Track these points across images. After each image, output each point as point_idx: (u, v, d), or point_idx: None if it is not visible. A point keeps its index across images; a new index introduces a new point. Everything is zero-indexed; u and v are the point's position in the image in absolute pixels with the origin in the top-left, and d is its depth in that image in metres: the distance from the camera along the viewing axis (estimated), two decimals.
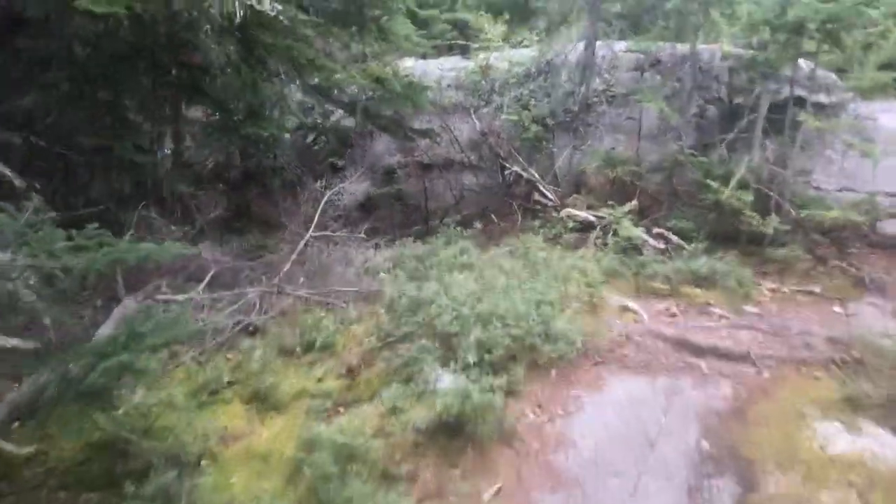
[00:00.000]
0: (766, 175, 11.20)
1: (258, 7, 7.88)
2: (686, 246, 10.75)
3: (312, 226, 8.71)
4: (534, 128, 14.39)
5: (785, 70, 11.22)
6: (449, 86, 17.01)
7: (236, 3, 7.23)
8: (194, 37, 7.82)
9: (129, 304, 7.10)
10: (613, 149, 14.58)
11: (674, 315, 8.57)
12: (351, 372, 6.26)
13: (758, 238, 10.84)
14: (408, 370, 6.08)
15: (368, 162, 16.52)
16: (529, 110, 14.57)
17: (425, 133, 14.72)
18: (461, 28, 21.58)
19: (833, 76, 12.23)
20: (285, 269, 8.07)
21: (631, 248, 10.80)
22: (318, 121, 16.14)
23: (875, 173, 11.90)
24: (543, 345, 6.54)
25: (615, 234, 10.94)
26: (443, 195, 14.20)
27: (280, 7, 7.87)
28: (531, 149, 14.62)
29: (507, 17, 19.23)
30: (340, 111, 15.25)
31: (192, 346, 6.68)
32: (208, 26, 7.61)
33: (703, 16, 11.57)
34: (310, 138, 16.11)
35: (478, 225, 12.42)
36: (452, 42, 21.00)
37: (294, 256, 8.28)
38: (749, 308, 9.03)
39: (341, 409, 5.75)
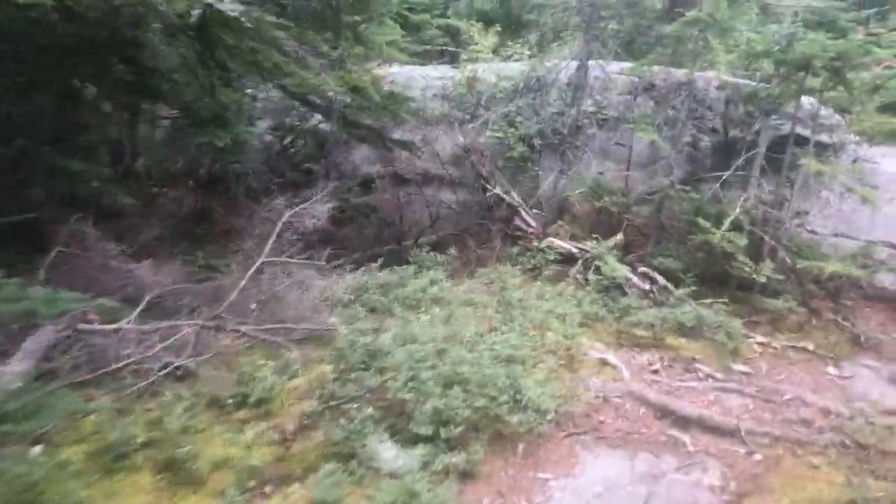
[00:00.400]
0: (760, 217, 10.51)
1: (218, 6, 7.05)
2: (672, 289, 10.03)
3: (267, 248, 7.88)
4: (519, 147, 13.66)
5: (787, 107, 10.53)
6: (435, 95, 16.24)
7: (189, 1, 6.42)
8: (141, 34, 6.98)
9: (47, 333, 6.23)
10: (601, 174, 13.90)
11: (657, 371, 7.83)
12: (286, 440, 5.44)
13: (749, 284, 10.14)
14: (350, 444, 5.26)
15: (346, 170, 15.72)
16: (516, 128, 13.83)
17: (406, 145, 13.91)
18: (453, 34, 20.78)
19: (836, 116, 11.58)
20: (231, 299, 7.23)
21: (614, 288, 10.05)
22: (297, 122, 15.30)
23: (874, 220, 11.28)
24: (510, 414, 5.76)
25: (598, 270, 10.19)
26: (419, 213, 13.39)
27: (242, 7, 7.05)
28: (515, 169, 13.87)
29: (498, 28, 18.52)
30: (318, 115, 14.43)
31: (110, 389, 5.84)
32: (158, 24, 6.77)
33: (701, 43, 10.86)
34: (287, 139, 15.25)
35: (453, 250, 11.63)
36: (444, 48, 20.24)
37: (244, 283, 7.44)
38: (738, 366, 8.33)
39: (268, 490, 4.91)
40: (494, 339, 6.89)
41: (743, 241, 9.97)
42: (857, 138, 11.47)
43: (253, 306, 7.45)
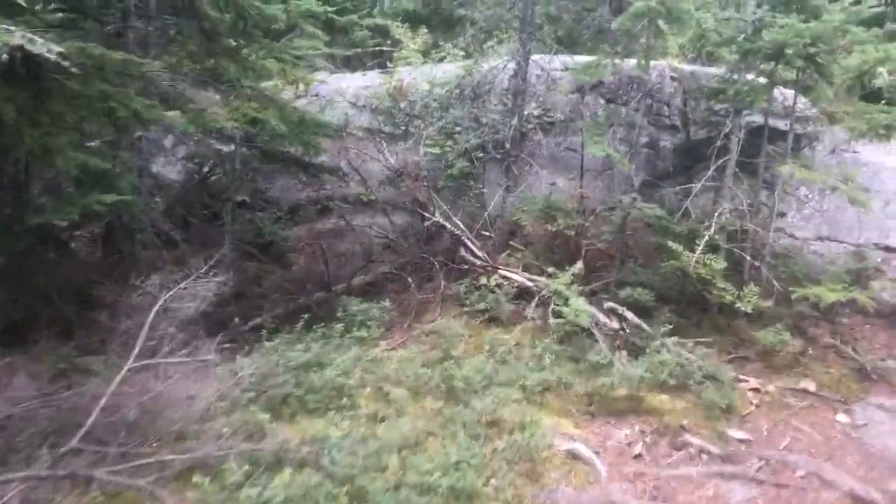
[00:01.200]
0: (739, 231, 9.07)
1: (30, 49, 5.33)
2: (645, 327, 8.55)
3: (138, 344, 6.18)
4: (459, 164, 12.08)
5: (758, 102, 9.09)
6: (363, 107, 14.58)
7: None
8: None
9: None
10: (554, 184, 12.40)
11: (639, 456, 6.33)
12: None
13: (733, 310, 8.70)
14: None
15: (271, 198, 14.03)
16: (455, 142, 12.22)
17: (331, 170, 12.25)
18: (384, 35, 19.01)
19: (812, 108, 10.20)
20: (86, 428, 5.53)
21: (579, 332, 8.52)
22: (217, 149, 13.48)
23: (861, 219, 9.93)
24: None
25: (559, 313, 8.64)
26: (352, 248, 11.73)
27: (60, 49, 5.33)
28: (458, 190, 12.30)
29: (426, 28, 16.89)
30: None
31: None
32: None
33: (653, 35, 9.36)
34: (206, 169, 13.41)
35: (388, 300, 10.02)
36: (379, 48, 18.47)
37: (104, 401, 5.74)
38: (734, 432, 6.88)
39: None
40: (431, 452, 5.31)
41: (720, 264, 8.53)
42: (837, 129, 10.08)
43: (122, 432, 5.76)
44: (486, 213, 11.29)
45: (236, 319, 8.32)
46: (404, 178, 11.77)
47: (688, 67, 12.69)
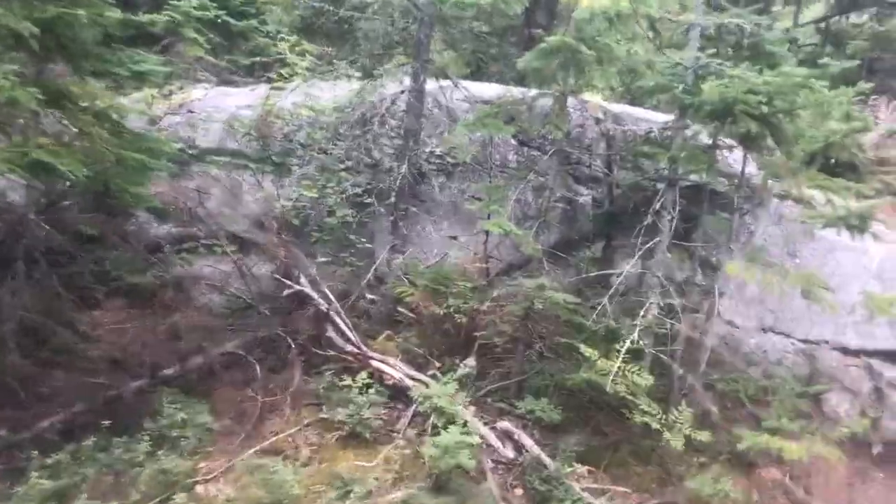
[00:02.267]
0: (670, 333, 7.14)
1: None
2: (546, 461, 6.53)
3: None
4: (341, 211, 9.79)
5: (697, 168, 7.19)
6: (241, 131, 12.09)
7: None
8: None
9: None
10: (455, 238, 10.24)
11: None
12: None
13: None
14: None
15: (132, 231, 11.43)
16: (339, 182, 9.95)
17: (159, 213, 9.80)
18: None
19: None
20: None
21: (462, 464, 6.40)
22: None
23: (812, 307, 8.12)
24: None
25: (436, 441, 6.51)
26: (193, 319, 9.33)
27: None
28: (339, 244, 10.01)
29: (327, 39, 14.51)
30: None
31: None
32: None
33: (572, 75, 7.37)
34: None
35: (226, 394, 7.74)
36: (281, 58, 15.91)
37: None
38: None
39: None
40: None
41: (647, 379, 6.57)
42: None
43: None
44: (364, 280, 9.08)
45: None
46: (266, 228, 9.49)
47: (616, 107, 10.76)
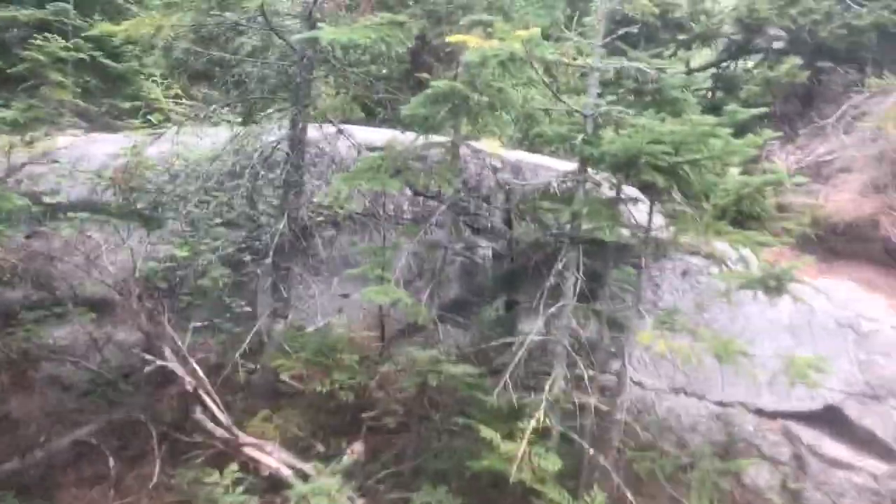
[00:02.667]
0: (577, 406, 6.42)
1: None
2: None
3: None
4: (216, 271, 8.71)
5: (599, 224, 6.57)
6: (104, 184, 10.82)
7: None
8: None
9: None
10: (346, 297, 9.34)
11: None
12: None
13: None
14: None
15: None
16: (215, 239, 8.87)
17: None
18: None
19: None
20: None
21: None
22: None
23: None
24: None
25: None
26: (37, 402, 8.02)
27: None
28: (216, 309, 8.93)
29: (200, 83, 13.46)
30: None
31: None
32: None
33: (467, 122, 6.68)
34: None
35: (72, 492, 6.54)
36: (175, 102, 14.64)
37: None
38: None
39: None
40: None
41: (554, 462, 5.80)
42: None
43: None
44: (240, 350, 8.01)
45: None
46: (128, 294, 8.33)
47: (514, 155, 10.17)
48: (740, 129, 6.27)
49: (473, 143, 8.27)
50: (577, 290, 6.36)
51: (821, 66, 12.70)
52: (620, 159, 5.97)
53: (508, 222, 9.35)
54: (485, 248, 9.58)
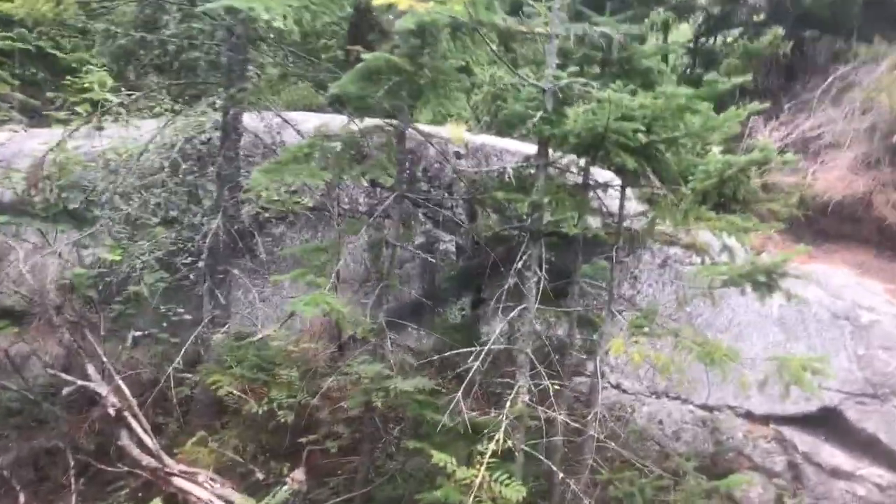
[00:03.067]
0: (543, 423, 5.65)
1: None
2: None
3: None
4: (151, 277, 7.90)
5: (563, 215, 5.77)
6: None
7: None
8: None
9: None
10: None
11: None
12: None
13: None
14: None
15: None
16: (152, 240, 8.03)
17: None
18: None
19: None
20: None
21: None
22: None
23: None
24: None
25: None
26: None
27: None
28: (153, 318, 8.10)
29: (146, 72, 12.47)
30: None
31: None
32: None
33: (414, 102, 5.84)
34: None
35: None
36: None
37: None
38: None
39: None
40: None
41: (519, 490, 5.03)
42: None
43: None
44: (172, 366, 7.18)
45: None
46: (47, 301, 7.48)
47: (479, 139, 9.31)
48: (720, 105, 5.49)
49: (423, 127, 7.44)
50: (541, 290, 5.57)
51: (805, 35, 11.91)
52: (585, 140, 5.18)
53: (472, 214, 8.53)
54: (447, 243, 8.77)
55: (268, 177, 5.35)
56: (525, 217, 5.69)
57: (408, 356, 7.05)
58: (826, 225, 9.21)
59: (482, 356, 5.44)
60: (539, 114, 5.22)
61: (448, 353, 6.05)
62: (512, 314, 5.68)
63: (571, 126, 5.10)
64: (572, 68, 5.36)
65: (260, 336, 6.88)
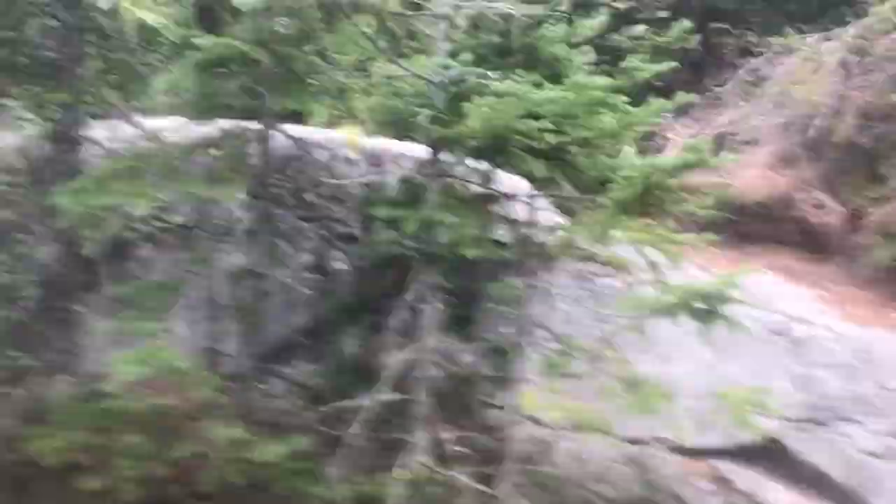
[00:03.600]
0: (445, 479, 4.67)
1: None
2: None
3: None
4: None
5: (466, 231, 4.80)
6: None
7: None
8: None
9: None
10: (167, 332, 7.24)
11: None
12: None
13: None
14: None
15: None
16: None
17: None
18: None
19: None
20: None
21: None
22: None
23: None
24: None
25: None
26: None
27: None
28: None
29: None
30: None
31: None
32: None
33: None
34: None
35: None
36: None
37: None
38: None
39: None
40: None
41: None
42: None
43: None
44: None
45: None
46: None
47: (376, 143, 8.24)
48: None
49: (307, 130, 6.40)
50: (439, 320, 4.61)
51: (713, 28, 11.45)
52: (485, 142, 4.24)
53: (367, 220, 7.48)
54: (341, 263, 7.67)
55: (78, 199, 4.18)
56: (417, 236, 4.70)
57: (290, 401, 6.02)
58: (746, 226, 8.63)
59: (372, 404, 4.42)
60: (426, 111, 4.25)
61: (332, 402, 5.00)
62: (405, 353, 4.69)
63: (467, 126, 4.14)
64: (464, 55, 4.40)
65: (103, 388, 5.62)
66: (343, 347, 7.09)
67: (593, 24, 5.00)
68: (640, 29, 13.39)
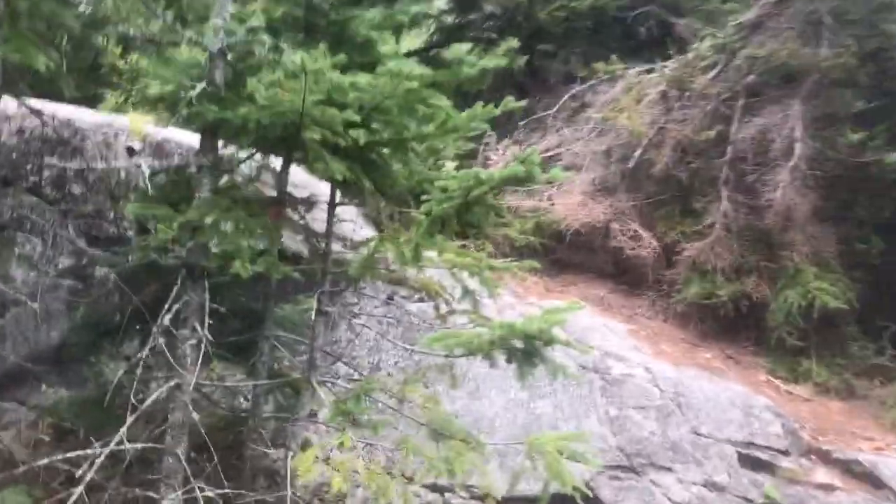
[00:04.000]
0: None
1: None
2: None
3: None
4: None
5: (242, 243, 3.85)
6: None
7: None
8: None
9: None
10: None
11: None
12: None
13: None
14: None
15: None
16: None
17: None
18: None
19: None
20: None
21: None
22: None
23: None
24: None
25: None
26: None
27: None
28: None
29: None
30: None
31: None
32: None
33: None
34: None
35: None
36: None
37: None
38: None
39: None
40: None
41: None
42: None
43: None
44: None
45: None
46: None
47: (164, 132, 7.07)
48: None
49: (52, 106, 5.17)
50: (202, 352, 3.63)
51: (539, 51, 11.27)
52: (272, 130, 3.36)
53: (142, 230, 6.29)
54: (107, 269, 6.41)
55: None
56: (182, 244, 3.70)
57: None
58: (563, 254, 8.38)
59: (96, 462, 3.35)
60: (200, 87, 3.29)
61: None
62: (160, 391, 3.66)
63: (249, 109, 3.24)
64: (257, 23, 3.50)
65: None
66: (99, 373, 5.90)
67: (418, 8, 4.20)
68: (466, 47, 13.07)
